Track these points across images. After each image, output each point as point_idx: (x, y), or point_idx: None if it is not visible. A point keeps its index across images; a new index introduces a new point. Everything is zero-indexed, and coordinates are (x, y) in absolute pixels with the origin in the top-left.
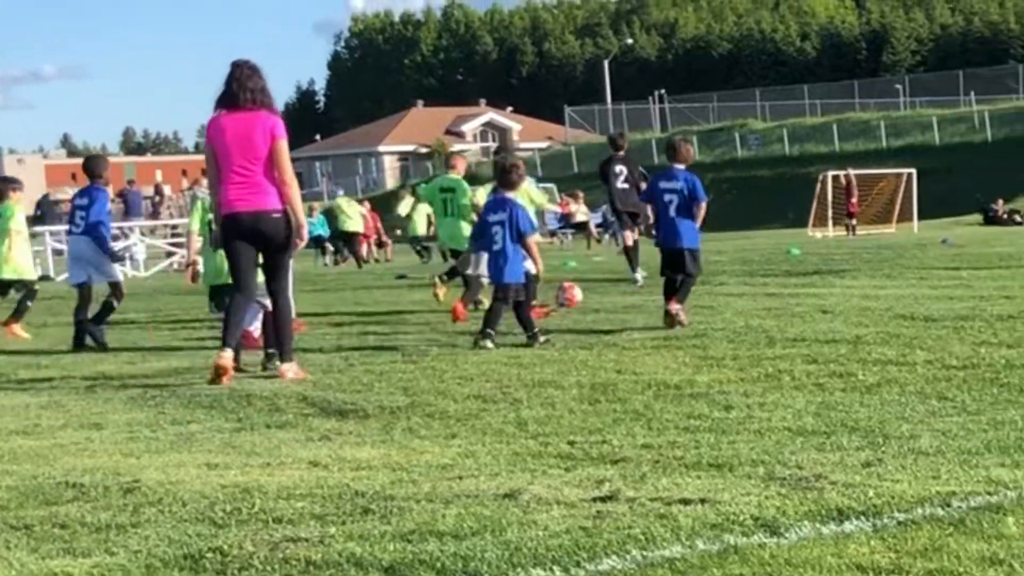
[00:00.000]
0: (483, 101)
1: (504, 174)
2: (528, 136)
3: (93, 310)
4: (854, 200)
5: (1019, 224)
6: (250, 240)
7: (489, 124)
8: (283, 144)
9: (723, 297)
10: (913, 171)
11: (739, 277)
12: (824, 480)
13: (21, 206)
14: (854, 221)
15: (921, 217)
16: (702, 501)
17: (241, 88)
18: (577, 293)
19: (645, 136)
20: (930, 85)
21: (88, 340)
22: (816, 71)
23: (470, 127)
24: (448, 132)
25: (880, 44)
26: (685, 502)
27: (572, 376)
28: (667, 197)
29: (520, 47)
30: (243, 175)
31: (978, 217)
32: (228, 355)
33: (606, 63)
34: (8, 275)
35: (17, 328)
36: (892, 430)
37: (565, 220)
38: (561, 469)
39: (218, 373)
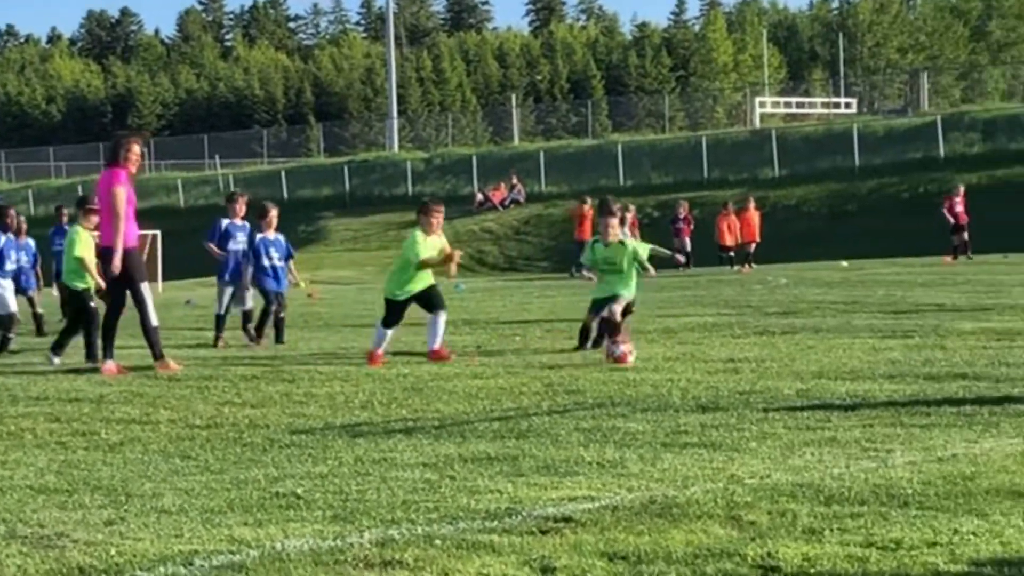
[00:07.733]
0: None
1: None
2: None
3: None
4: None
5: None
6: None
7: None
8: None
9: None
10: (158, 232)
11: None
12: (66, 538)
13: None
14: None
15: (167, 278)
16: None
17: None
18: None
19: None
20: (176, 148)
21: None
22: (62, 133)
23: None
24: None
25: (126, 108)
26: None
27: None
28: None
29: None
30: None
31: None
32: None
33: None
34: None
35: None
36: (135, 488)
37: None
38: None
39: None
